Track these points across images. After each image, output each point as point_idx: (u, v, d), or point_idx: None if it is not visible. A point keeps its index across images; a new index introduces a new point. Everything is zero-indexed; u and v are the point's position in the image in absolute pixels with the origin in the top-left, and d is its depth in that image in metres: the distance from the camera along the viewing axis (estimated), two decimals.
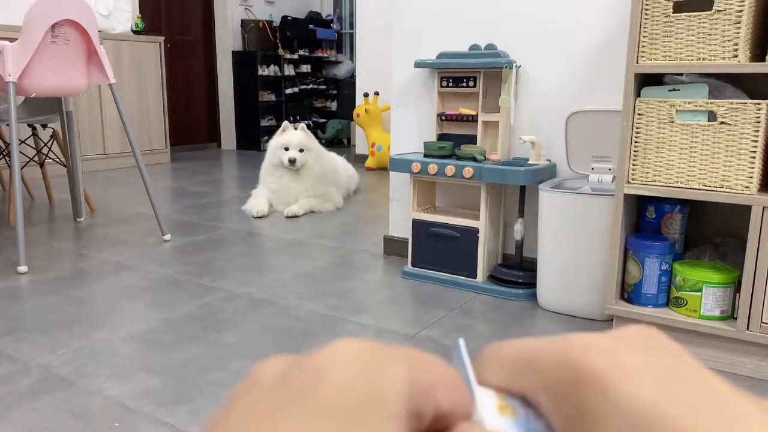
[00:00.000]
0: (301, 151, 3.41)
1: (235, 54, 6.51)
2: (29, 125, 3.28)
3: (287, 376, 0.16)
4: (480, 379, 0.19)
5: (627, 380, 0.16)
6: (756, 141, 1.45)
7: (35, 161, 3.36)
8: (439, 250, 2.22)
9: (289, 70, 6.87)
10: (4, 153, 3.19)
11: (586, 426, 0.16)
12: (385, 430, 0.15)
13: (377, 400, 0.16)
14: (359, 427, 0.15)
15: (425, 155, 2.19)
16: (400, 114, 2.47)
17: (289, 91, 6.90)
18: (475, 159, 2.08)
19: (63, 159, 3.20)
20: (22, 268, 2.29)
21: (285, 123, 3.47)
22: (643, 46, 1.55)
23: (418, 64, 2.24)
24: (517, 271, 2.11)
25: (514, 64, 2.12)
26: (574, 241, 1.88)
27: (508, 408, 0.18)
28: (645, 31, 1.54)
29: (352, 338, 0.17)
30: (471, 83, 2.18)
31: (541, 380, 0.18)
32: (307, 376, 0.16)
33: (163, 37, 5.33)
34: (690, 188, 1.54)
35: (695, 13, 1.47)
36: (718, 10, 1.44)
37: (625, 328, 0.18)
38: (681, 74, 1.56)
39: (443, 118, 2.28)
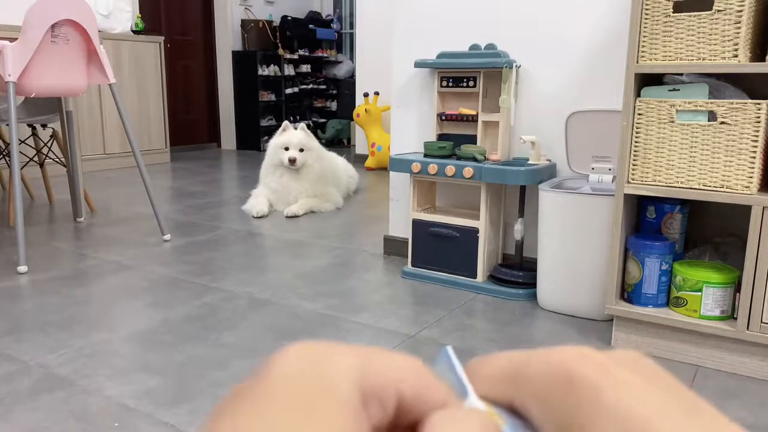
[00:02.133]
0: (301, 150, 3.41)
1: (235, 54, 6.51)
2: (29, 125, 3.27)
3: (248, 382, 0.17)
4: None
5: (620, 391, 0.16)
6: (756, 141, 1.45)
7: (35, 161, 3.36)
8: (439, 250, 2.22)
9: (289, 70, 6.87)
10: (4, 153, 3.19)
11: (577, 429, 0.16)
12: (335, 414, 0.15)
13: (325, 386, 0.16)
14: (309, 412, 0.15)
15: (425, 155, 2.19)
16: (400, 114, 2.47)
17: (289, 91, 6.90)
18: (475, 159, 2.08)
19: (63, 159, 3.20)
20: (22, 268, 2.29)
21: (285, 123, 3.47)
22: (643, 46, 1.55)
23: (418, 64, 2.24)
24: (517, 271, 2.11)
25: (514, 64, 2.12)
26: (574, 241, 1.88)
27: (495, 416, 0.18)
28: (645, 31, 1.54)
29: (308, 340, 0.18)
30: (471, 83, 2.18)
31: (532, 388, 0.18)
32: (258, 375, 0.16)
33: (162, 37, 5.33)
34: (690, 188, 1.54)
35: (695, 13, 1.47)
36: (718, 10, 1.44)
37: (615, 351, 0.19)
38: (681, 74, 1.56)
39: (443, 118, 2.28)
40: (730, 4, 1.43)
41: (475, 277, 2.15)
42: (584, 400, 0.16)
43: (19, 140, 2.58)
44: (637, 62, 1.56)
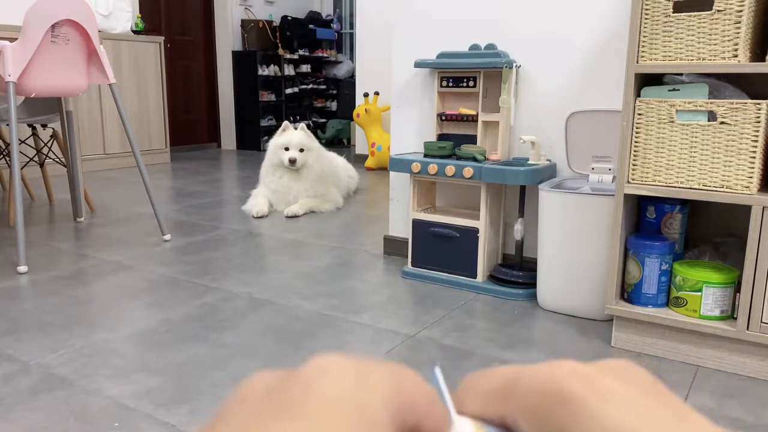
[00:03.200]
0: (301, 151, 3.41)
1: (235, 54, 6.51)
2: (29, 125, 3.28)
3: (276, 390, 0.17)
4: (458, 408, 0.20)
5: (608, 402, 0.17)
6: (756, 141, 1.45)
7: (35, 161, 3.36)
8: (439, 250, 2.22)
9: (289, 70, 6.87)
10: (4, 153, 3.19)
11: None
12: None
13: (364, 410, 0.16)
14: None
15: (425, 155, 2.19)
16: (400, 114, 2.47)
17: (289, 91, 6.90)
18: (475, 159, 2.08)
19: (63, 159, 3.21)
20: (22, 268, 2.29)
21: (285, 123, 3.47)
22: (643, 46, 1.55)
23: (418, 64, 2.24)
24: (517, 271, 2.11)
25: (514, 64, 2.12)
26: (574, 241, 1.88)
27: (484, 431, 0.19)
28: (645, 31, 1.54)
29: (336, 353, 0.18)
30: (471, 83, 2.18)
31: (523, 404, 0.18)
32: (296, 389, 0.17)
33: (163, 37, 5.33)
34: (690, 188, 1.54)
35: (695, 13, 1.47)
36: (718, 10, 1.44)
37: (606, 360, 0.19)
38: (681, 74, 1.56)
39: (443, 118, 2.28)
40: (730, 4, 1.43)
41: (475, 277, 2.15)
42: (572, 413, 0.17)
43: (19, 140, 2.58)
44: (637, 62, 1.56)
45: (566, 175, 2.11)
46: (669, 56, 1.53)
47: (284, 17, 6.92)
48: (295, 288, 2.17)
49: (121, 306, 1.98)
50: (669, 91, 1.57)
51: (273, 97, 6.69)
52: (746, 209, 1.49)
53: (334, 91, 7.53)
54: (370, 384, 0.17)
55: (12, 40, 2.39)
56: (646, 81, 1.63)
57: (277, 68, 6.67)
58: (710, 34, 1.47)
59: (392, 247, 2.58)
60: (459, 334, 1.79)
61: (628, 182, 1.61)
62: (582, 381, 0.17)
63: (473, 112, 2.21)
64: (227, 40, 6.48)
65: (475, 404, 0.19)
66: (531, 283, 2.06)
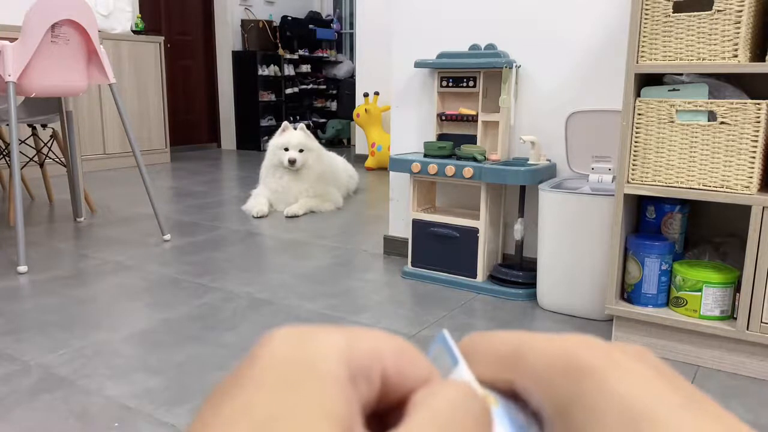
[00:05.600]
0: (301, 151, 3.41)
1: (235, 54, 6.51)
2: (29, 125, 3.28)
3: (237, 370, 0.17)
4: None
5: (625, 378, 0.16)
6: (756, 141, 1.45)
7: (35, 161, 3.36)
8: (439, 250, 2.22)
9: (289, 70, 6.87)
10: (4, 153, 3.19)
11: (581, 416, 0.16)
12: (325, 391, 0.15)
13: (312, 365, 0.16)
14: (298, 392, 0.15)
15: (425, 155, 2.19)
16: (400, 114, 2.47)
17: (289, 91, 6.90)
18: (475, 159, 2.08)
19: (63, 159, 3.20)
20: (22, 268, 2.29)
21: (285, 123, 3.47)
22: (643, 46, 1.55)
23: (418, 64, 2.24)
24: (517, 271, 2.11)
25: (514, 64, 2.12)
26: (574, 241, 1.88)
27: (490, 397, 0.18)
28: (645, 31, 1.54)
29: (288, 325, 0.18)
30: (471, 83, 2.18)
31: (534, 371, 0.18)
32: (244, 363, 0.17)
33: (162, 37, 5.33)
34: (690, 188, 1.54)
35: (695, 13, 1.47)
36: (718, 10, 1.45)
37: (620, 343, 0.19)
38: (681, 74, 1.56)
39: (443, 118, 2.28)
40: (730, 4, 1.43)
41: (475, 277, 2.15)
42: (588, 385, 0.16)
43: (19, 140, 2.58)
44: (637, 62, 1.56)
45: (566, 175, 2.11)
46: (669, 56, 1.53)
47: (284, 17, 6.92)
48: (295, 288, 2.17)
49: (121, 306, 1.98)
50: (669, 91, 1.57)
51: (273, 97, 6.69)
52: (746, 209, 1.49)
53: (334, 91, 7.53)
54: (318, 342, 0.17)
55: (12, 40, 2.39)
56: (646, 81, 1.63)
57: (277, 68, 6.67)
58: (710, 34, 1.47)
59: (392, 247, 2.58)
60: (459, 334, 1.79)
61: (628, 182, 1.61)
62: (601, 355, 0.17)
63: (473, 112, 2.21)
64: (227, 40, 6.48)
65: (479, 367, 0.19)
66: (531, 283, 2.06)
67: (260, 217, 3.28)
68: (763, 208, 1.46)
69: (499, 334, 0.20)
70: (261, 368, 0.16)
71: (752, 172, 1.46)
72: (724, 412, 0.16)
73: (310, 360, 0.16)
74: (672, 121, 1.54)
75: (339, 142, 6.88)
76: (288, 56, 6.81)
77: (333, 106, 7.53)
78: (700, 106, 1.50)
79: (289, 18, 6.93)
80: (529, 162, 2.06)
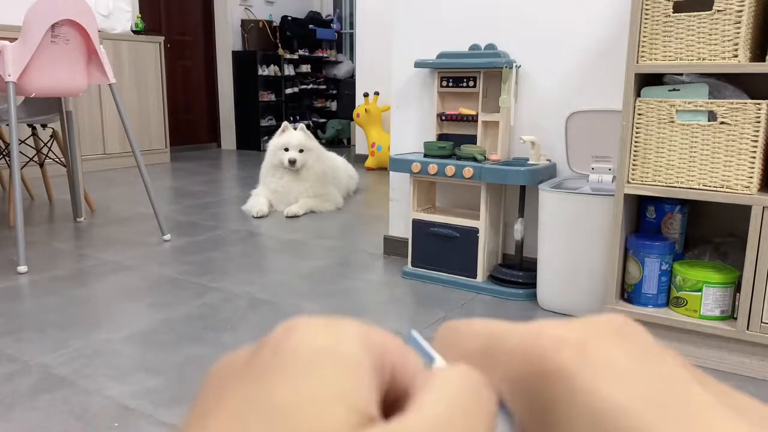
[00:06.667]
0: (301, 151, 3.41)
1: (235, 54, 6.51)
2: (29, 125, 3.27)
3: (251, 358, 0.16)
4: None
5: (598, 378, 0.15)
6: (756, 141, 1.45)
7: (35, 161, 3.36)
8: (439, 250, 2.22)
9: (289, 70, 6.87)
10: (4, 153, 3.19)
11: (553, 422, 0.16)
12: (348, 377, 0.15)
13: (339, 353, 0.16)
14: (320, 378, 0.15)
15: (425, 155, 2.19)
16: (400, 114, 2.47)
17: (289, 91, 6.90)
18: (475, 159, 2.08)
19: (63, 159, 3.20)
20: (22, 268, 2.29)
21: (285, 123, 3.47)
22: (643, 46, 1.55)
23: (418, 64, 2.24)
24: (517, 271, 2.11)
25: (514, 64, 2.12)
26: (574, 241, 1.88)
27: None
28: (645, 31, 1.54)
29: (303, 316, 0.18)
30: (471, 83, 2.18)
31: (506, 374, 0.17)
32: (266, 351, 0.16)
33: (162, 37, 5.33)
34: (690, 188, 1.54)
35: (695, 13, 1.47)
36: (718, 10, 1.44)
37: (597, 317, 0.18)
38: (681, 74, 1.56)
39: (443, 118, 2.28)
40: (730, 4, 1.43)
41: (475, 277, 2.15)
42: (562, 392, 0.16)
43: (19, 140, 2.58)
44: (637, 62, 1.56)
45: (566, 175, 2.11)
46: (669, 56, 1.53)
47: (284, 17, 6.92)
48: (295, 288, 2.17)
49: (121, 306, 1.98)
50: (669, 91, 1.57)
51: (273, 97, 6.69)
52: (746, 209, 1.49)
53: (334, 91, 7.53)
54: (341, 330, 0.16)
55: (12, 40, 2.39)
56: (646, 81, 1.63)
57: (277, 68, 6.67)
58: (710, 34, 1.47)
59: (392, 247, 2.58)
60: None
61: (628, 182, 1.61)
62: (573, 353, 0.16)
63: (473, 112, 2.21)
64: (227, 40, 6.48)
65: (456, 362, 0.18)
66: (531, 283, 2.06)
67: (260, 217, 3.28)
68: (763, 208, 1.46)
69: (470, 326, 0.19)
70: (284, 354, 0.16)
71: (752, 172, 1.46)
72: (711, 405, 0.15)
73: (334, 349, 0.16)
74: (672, 121, 1.54)
75: (339, 142, 6.88)
76: (288, 56, 6.81)
77: (333, 106, 7.53)
78: (700, 106, 1.50)
79: (289, 18, 6.93)
80: (529, 162, 2.06)
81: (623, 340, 0.16)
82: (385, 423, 0.15)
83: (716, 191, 1.51)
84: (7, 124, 2.45)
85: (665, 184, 1.57)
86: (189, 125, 6.47)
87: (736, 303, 1.55)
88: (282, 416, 0.14)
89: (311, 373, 0.15)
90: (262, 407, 0.14)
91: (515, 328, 0.18)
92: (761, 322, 1.51)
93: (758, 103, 1.43)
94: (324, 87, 7.48)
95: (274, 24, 6.76)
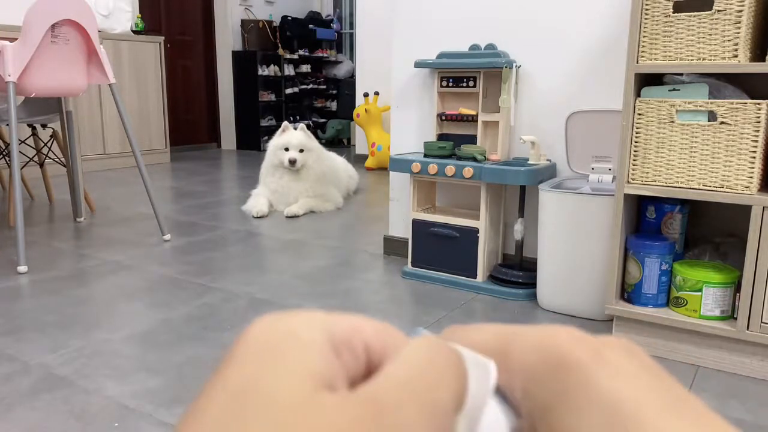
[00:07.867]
0: (301, 151, 3.41)
1: (235, 54, 6.51)
2: (29, 125, 3.27)
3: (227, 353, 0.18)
4: None
5: (610, 374, 0.17)
6: (756, 141, 1.45)
7: (35, 161, 3.36)
8: (439, 250, 2.22)
9: (289, 70, 6.87)
10: (4, 153, 3.19)
11: (566, 414, 0.16)
12: (306, 354, 0.16)
13: (294, 334, 0.16)
14: (279, 357, 0.16)
15: (425, 155, 2.19)
16: (400, 114, 2.47)
17: (289, 91, 6.90)
18: (475, 159, 2.08)
19: (63, 159, 3.20)
20: (22, 268, 2.29)
21: (285, 123, 3.47)
22: (643, 46, 1.55)
23: (418, 64, 2.24)
24: (517, 271, 2.11)
25: (514, 64, 2.12)
26: (574, 241, 1.88)
27: None
28: (645, 31, 1.54)
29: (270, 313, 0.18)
30: (471, 83, 2.18)
31: (520, 366, 0.18)
32: (236, 343, 0.17)
33: (162, 37, 5.33)
34: (690, 188, 1.54)
35: (695, 13, 1.47)
36: (718, 10, 1.44)
37: (606, 336, 0.19)
38: (681, 74, 1.56)
39: (443, 118, 2.28)
40: (730, 4, 1.43)
41: (475, 277, 2.15)
42: (576, 382, 0.17)
43: (19, 140, 2.58)
44: (637, 62, 1.56)
45: (566, 175, 2.11)
46: (669, 56, 1.53)
47: (284, 17, 6.92)
48: (295, 288, 2.17)
49: (121, 306, 1.98)
50: (669, 91, 1.57)
51: (273, 97, 6.69)
52: (746, 209, 1.49)
53: (334, 91, 7.53)
54: (301, 319, 0.17)
55: (12, 40, 2.39)
56: (646, 81, 1.63)
57: (277, 68, 6.67)
58: (710, 34, 1.47)
59: (392, 247, 2.58)
60: None
61: (628, 182, 1.61)
62: (590, 351, 0.17)
63: (473, 112, 2.21)
64: (227, 40, 6.48)
65: None
66: (531, 283, 2.06)
67: (260, 217, 3.28)
68: (763, 208, 1.46)
69: (479, 329, 0.19)
70: (243, 345, 0.17)
71: (752, 172, 1.46)
72: (711, 415, 0.16)
73: (291, 331, 0.17)
74: (672, 121, 1.54)
75: (339, 142, 6.88)
76: (288, 56, 6.81)
77: (333, 106, 7.53)
78: (700, 106, 1.50)
79: (289, 18, 6.93)
80: (529, 162, 2.06)
81: (631, 355, 0.18)
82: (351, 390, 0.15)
83: (716, 191, 1.51)
84: (7, 124, 2.45)
85: (665, 184, 1.57)
86: (189, 125, 6.47)
87: (736, 303, 1.55)
88: (242, 391, 0.15)
89: (270, 353, 0.16)
90: (228, 387, 0.15)
91: (526, 328, 0.19)
92: (761, 322, 1.51)
93: (758, 103, 1.43)
94: (324, 87, 7.48)
95: (274, 24, 6.76)
